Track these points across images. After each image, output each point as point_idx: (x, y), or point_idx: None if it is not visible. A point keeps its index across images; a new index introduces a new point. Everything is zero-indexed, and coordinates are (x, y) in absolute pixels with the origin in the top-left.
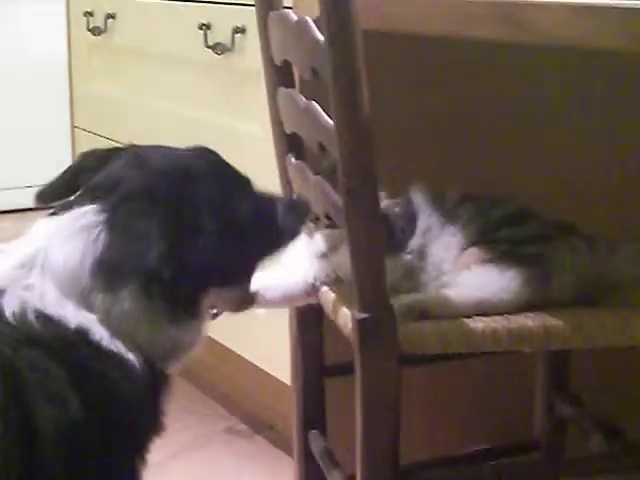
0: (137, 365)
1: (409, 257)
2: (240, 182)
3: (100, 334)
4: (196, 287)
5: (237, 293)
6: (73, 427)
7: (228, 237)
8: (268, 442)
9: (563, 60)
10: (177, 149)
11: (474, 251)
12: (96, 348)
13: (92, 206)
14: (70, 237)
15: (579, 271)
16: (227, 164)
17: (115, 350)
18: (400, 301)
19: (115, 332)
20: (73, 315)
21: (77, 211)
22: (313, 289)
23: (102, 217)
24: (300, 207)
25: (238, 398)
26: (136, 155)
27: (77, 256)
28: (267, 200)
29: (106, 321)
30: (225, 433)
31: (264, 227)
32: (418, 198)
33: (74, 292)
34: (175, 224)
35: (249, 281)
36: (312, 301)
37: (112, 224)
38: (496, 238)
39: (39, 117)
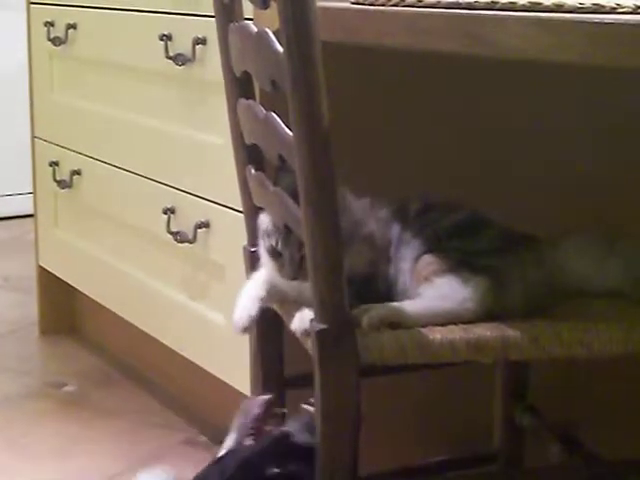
0: None
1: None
2: None
3: None
4: None
5: None
6: None
7: None
8: None
9: (524, 72)
10: None
11: (428, 260)
12: None
13: None
14: None
15: (528, 282)
16: None
17: None
18: (368, 312)
19: None
20: None
21: None
22: None
23: None
24: None
25: (197, 409)
26: None
27: None
28: None
29: None
30: (184, 444)
31: None
32: (382, 211)
33: None
34: None
35: None
36: None
37: None
38: (447, 247)
39: None
